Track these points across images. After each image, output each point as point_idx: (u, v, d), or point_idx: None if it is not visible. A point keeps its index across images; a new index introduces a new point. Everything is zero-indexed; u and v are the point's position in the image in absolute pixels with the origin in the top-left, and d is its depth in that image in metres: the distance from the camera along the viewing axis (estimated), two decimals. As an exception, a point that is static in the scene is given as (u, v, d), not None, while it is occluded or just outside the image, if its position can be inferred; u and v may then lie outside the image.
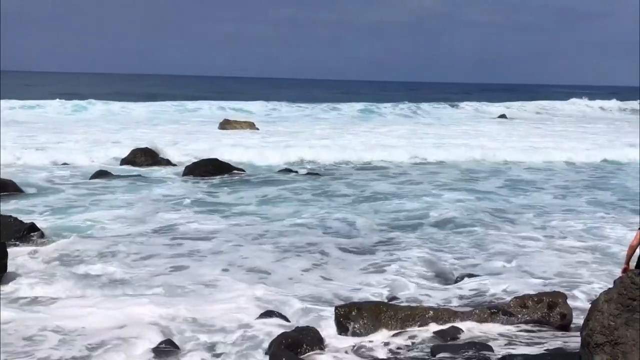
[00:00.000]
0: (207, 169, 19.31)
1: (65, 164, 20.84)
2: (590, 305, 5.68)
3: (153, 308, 8.04)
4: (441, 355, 6.74)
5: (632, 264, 7.07)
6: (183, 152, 22.86)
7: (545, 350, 6.88)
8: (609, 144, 29.92)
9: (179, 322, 7.76)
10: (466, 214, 14.22)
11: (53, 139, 27.04)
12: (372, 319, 7.65)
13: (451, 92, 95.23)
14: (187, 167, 19.58)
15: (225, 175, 19.16)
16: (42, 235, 11.40)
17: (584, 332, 5.49)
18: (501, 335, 7.42)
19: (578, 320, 7.47)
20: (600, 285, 9.13)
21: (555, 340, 7.24)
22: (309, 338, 7.15)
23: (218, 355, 7.01)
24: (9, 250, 9.64)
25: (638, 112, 60.78)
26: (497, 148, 26.41)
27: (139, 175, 18.86)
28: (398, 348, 7.18)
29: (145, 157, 21.25)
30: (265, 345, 7.11)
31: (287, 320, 7.88)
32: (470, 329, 7.55)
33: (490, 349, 6.86)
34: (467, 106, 59.50)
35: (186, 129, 33.24)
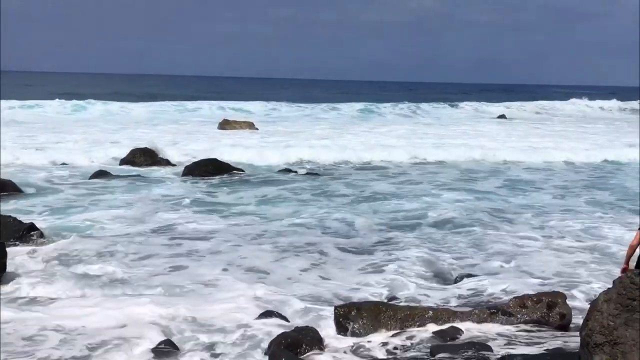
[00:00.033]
0: (207, 169, 19.31)
1: (64, 164, 20.84)
2: (589, 305, 5.68)
3: (152, 308, 8.04)
4: (440, 355, 6.73)
5: (632, 263, 7.07)
6: (182, 152, 22.85)
7: (544, 350, 6.88)
8: (608, 144, 29.93)
9: (178, 322, 7.75)
10: (465, 214, 14.23)
11: (52, 139, 27.04)
12: (372, 319, 7.65)
13: (451, 92, 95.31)
14: (186, 167, 19.58)
15: (225, 175, 19.15)
16: (41, 235, 11.40)
17: (583, 332, 5.49)
18: (500, 335, 7.42)
19: (577, 320, 7.47)
20: (598, 285, 9.14)
21: (554, 340, 7.24)
22: (309, 338, 7.15)
23: (217, 356, 7.00)
24: (8, 250, 9.64)
25: (638, 112, 60.77)
26: (497, 148, 26.41)
27: (139, 175, 18.86)
28: (397, 348, 7.17)
29: (144, 157, 21.25)
30: (265, 345, 7.11)
31: (287, 320, 7.87)
32: (469, 329, 7.55)
33: (489, 349, 6.86)
34: (467, 106, 59.57)
35: (186, 129, 33.23)
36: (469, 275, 9.83)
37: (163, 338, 7.20)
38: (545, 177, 20.58)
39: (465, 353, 6.72)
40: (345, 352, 7.11)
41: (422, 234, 12.65)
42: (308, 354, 6.95)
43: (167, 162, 21.27)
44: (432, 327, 7.57)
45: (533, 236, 12.45)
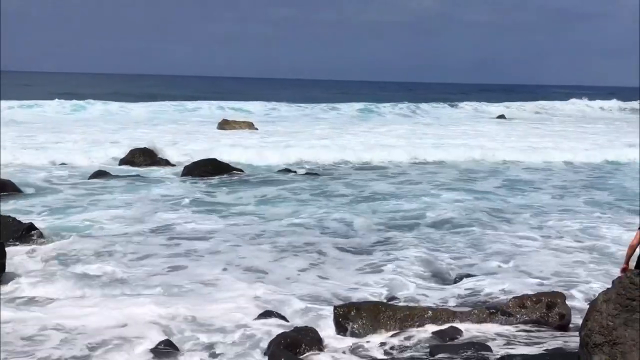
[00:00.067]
0: (206, 169, 19.30)
1: (63, 164, 20.83)
2: (588, 305, 5.68)
3: (152, 308, 8.04)
4: (440, 355, 6.73)
5: (632, 263, 7.07)
6: (182, 152, 22.83)
7: (544, 350, 6.88)
8: (608, 144, 29.92)
9: (177, 322, 7.75)
10: (464, 214, 14.23)
11: (52, 138, 27.03)
12: (371, 319, 7.64)
13: (450, 92, 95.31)
14: (185, 167, 19.57)
15: (224, 176, 19.15)
16: (40, 235, 11.39)
17: (583, 332, 5.49)
18: (500, 335, 7.41)
19: (577, 320, 7.47)
20: (597, 285, 9.15)
21: (554, 340, 7.24)
22: (308, 338, 7.14)
23: (217, 356, 7.01)
24: (7, 250, 9.65)
25: (638, 112, 60.75)
26: (496, 148, 26.40)
27: (138, 176, 18.85)
28: (397, 348, 7.17)
29: (144, 157, 21.24)
30: (264, 345, 7.11)
31: (286, 320, 7.87)
32: (468, 329, 7.55)
33: (489, 349, 6.86)
34: (467, 106, 59.59)
35: (185, 129, 33.22)
36: (468, 275, 9.83)
37: (162, 338, 7.20)
38: (544, 177, 20.58)
39: (465, 353, 6.72)
40: (344, 352, 7.11)
41: (421, 233, 12.65)
42: (307, 354, 6.95)
43: (166, 162, 21.27)
44: (431, 328, 7.56)
45: (532, 236, 12.45)
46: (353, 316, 7.64)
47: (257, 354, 7.00)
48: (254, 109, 49.44)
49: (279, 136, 30.26)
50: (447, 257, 10.98)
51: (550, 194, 17.43)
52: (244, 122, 35.14)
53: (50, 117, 40.26)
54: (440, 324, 7.62)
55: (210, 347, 7.19)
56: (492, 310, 7.87)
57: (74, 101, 46.60)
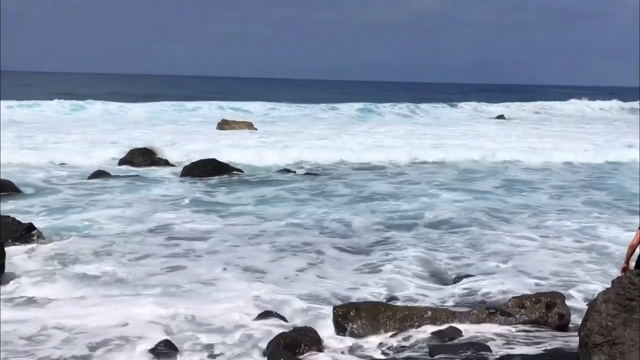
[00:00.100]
0: (205, 169, 19.30)
1: (63, 164, 20.83)
2: (587, 305, 5.68)
3: (151, 308, 8.04)
4: (439, 355, 6.73)
5: (632, 263, 7.07)
6: (181, 153, 22.83)
7: (543, 350, 6.88)
8: (607, 144, 29.92)
9: (176, 323, 7.75)
10: (463, 214, 14.24)
11: (51, 138, 27.02)
12: (371, 319, 7.64)
13: (450, 93, 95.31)
14: (185, 168, 19.57)
15: (224, 176, 19.14)
16: (40, 235, 11.37)
17: (582, 332, 5.49)
18: (499, 335, 7.41)
19: (576, 320, 7.48)
20: (596, 285, 9.15)
21: (553, 341, 7.24)
22: (307, 338, 7.14)
23: (216, 356, 7.01)
24: (7, 250, 9.64)
25: (638, 113, 60.73)
26: (495, 148, 26.40)
27: (137, 176, 18.86)
28: (396, 348, 7.17)
29: (143, 157, 21.24)
30: (263, 345, 7.11)
31: (285, 321, 7.87)
32: (468, 329, 7.54)
33: (488, 349, 6.86)
34: (466, 106, 59.57)
35: (185, 129, 33.22)
36: (467, 275, 9.84)
37: (162, 338, 7.19)
38: (543, 178, 20.59)
39: (464, 353, 6.72)
40: (343, 353, 7.11)
41: (420, 233, 12.65)
42: (307, 354, 6.95)
43: (165, 163, 21.26)
44: (430, 328, 7.56)
45: (530, 236, 12.46)
46: (352, 316, 7.64)
47: (256, 354, 7.00)
48: (254, 109, 49.41)
49: (279, 136, 30.26)
50: (446, 257, 10.99)
51: (549, 194, 17.43)
52: (243, 122, 35.14)
53: (49, 117, 40.25)
54: (440, 324, 7.62)
55: (209, 347, 7.19)
56: (491, 311, 7.87)
57: (74, 101, 46.59)
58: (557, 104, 65.48)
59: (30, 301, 8.50)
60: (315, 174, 20.01)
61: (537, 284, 9.42)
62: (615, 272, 7.19)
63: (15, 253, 10.21)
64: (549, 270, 10.23)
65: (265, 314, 7.94)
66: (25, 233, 11.17)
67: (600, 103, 67.69)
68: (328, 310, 7.97)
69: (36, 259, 10.18)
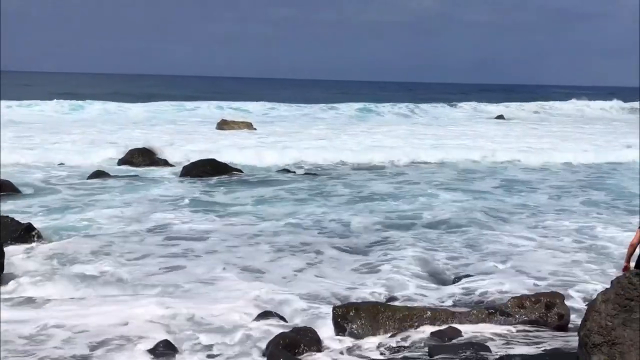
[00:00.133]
0: (205, 169, 19.29)
1: (62, 164, 20.82)
2: (586, 305, 5.68)
3: (151, 308, 8.03)
4: (439, 355, 6.72)
5: (632, 263, 7.08)
6: (180, 153, 22.83)
7: (543, 350, 6.87)
8: (606, 144, 29.95)
9: (176, 323, 7.74)
10: (462, 214, 14.24)
11: (50, 139, 27.02)
12: (370, 319, 7.63)
13: (450, 92, 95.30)
14: (184, 168, 19.56)
15: (223, 176, 19.14)
16: (39, 235, 11.38)
17: (582, 333, 5.49)
18: (499, 335, 7.41)
19: (576, 320, 7.47)
20: (595, 285, 9.15)
21: (553, 341, 7.24)
22: (307, 339, 7.14)
23: (216, 356, 7.00)
24: (6, 249, 9.65)
25: (638, 113, 60.74)
26: (495, 148, 26.41)
27: (136, 176, 18.85)
28: (395, 348, 7.16)
29: (142, 157, 21.24)
30: (263, 345, 7.10)
31: (285, 321, 7.87)
32: (467, 329, 7.54)
33: (488, 349, 6.86)
34: (466, 106, 59.60)
35: (184, 129, 33.23)
36: (467, 276, 9.84)
37: (161, 338, 7.19)
38: (542, 178, 20.59)
39: (464, 353, 6.71)
40: (342, 353, 7.10)
41: (419, 233, 12.65)
42: (306, 354, 6.94)
43: (165, 163, 21.26)
44: (430, 328, 7.55)
45: (529, 236, 12.46)
46: (352, 316, 7.63)
47: (255, 354, 7.00)
48: (253, 109, 49.45)
49: (278, 136, 30.27)
50: (445, 257, 10.98)
51: (548, 194, 17.43)
52: (242, 122, 35.14)
53: (48, 117, 40.26)
54: (439, 324, 7.61)
55: (209, 347, 7.18)
56: (490, 311, 7.86)
57: (73, 101, 46.62)
58: (556, 104, 65.50)
59: (30, 301, 8.50)
60: (315, 174, 20.02)
61: (536, 284, 9.41)
62: (614, 272, 7.19)
63: (15, 253, 10.21)
64: (548, 270, 10.23)
65: (265, 314, 7.93)
66: (25, 233, 11.17)
67: (600, 103, 67.73)
68: (327, 311, 7.96)
69: (35, 259, 10.18)
